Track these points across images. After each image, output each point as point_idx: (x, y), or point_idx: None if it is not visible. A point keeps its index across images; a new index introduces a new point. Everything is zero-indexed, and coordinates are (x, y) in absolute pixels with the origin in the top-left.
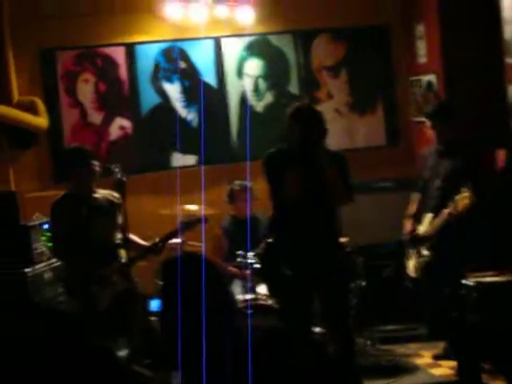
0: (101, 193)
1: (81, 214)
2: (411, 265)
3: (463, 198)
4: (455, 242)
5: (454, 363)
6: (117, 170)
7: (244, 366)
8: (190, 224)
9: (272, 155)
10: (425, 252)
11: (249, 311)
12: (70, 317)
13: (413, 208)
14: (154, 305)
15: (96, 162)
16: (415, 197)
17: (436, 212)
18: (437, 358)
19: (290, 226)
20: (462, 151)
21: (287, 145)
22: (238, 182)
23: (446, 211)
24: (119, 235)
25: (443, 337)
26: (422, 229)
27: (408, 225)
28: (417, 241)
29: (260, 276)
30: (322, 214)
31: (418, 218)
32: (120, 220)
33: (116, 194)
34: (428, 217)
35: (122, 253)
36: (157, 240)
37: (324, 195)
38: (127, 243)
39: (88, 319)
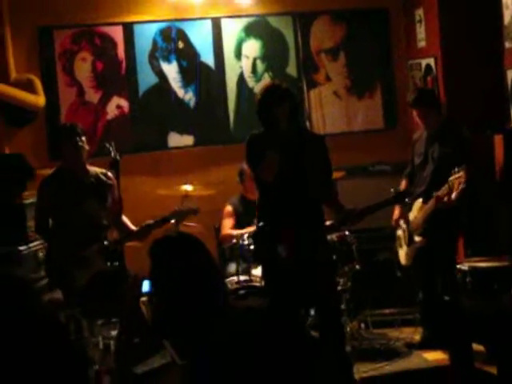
0: (93, 171)
1: (67, 191)
2: (402, 253)
3: (458, 178)
4: (446, 226)
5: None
6: (111, 148)
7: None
8: (182, 214)
9: (254, 137)
10: (416, 238)
11: (242, 292)
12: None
13: None
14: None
15: (83, 138)
16: (403, 183)
17: (427, 198)
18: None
19: (272, 209)
20: (454, 135)
21: (264, 128)
22: None
23: (435, 195)
24: (107, 216)
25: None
26: (412, 215)
27: (396, 211)
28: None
29: (254, 257)
30: (302, 196)
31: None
32: (109, 201)
33: (109, 174)
34: (418, 202)
35: (109, 234)
36: (143, 225)
37: (302, 179)
38: (118, 225)
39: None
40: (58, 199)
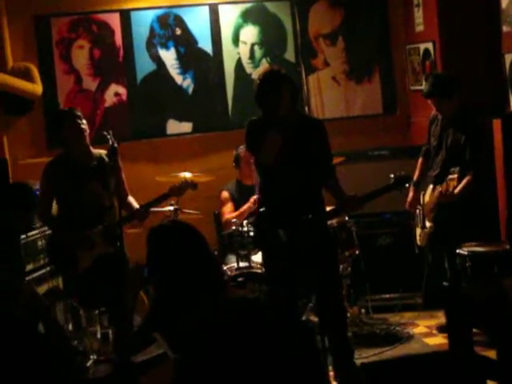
0: (97, 153)
1: (70, 176)
2: (417, 233)
3: (452, 180)
4: (453, 216)
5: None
6: (109, 136)
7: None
8: (179, 189)
9: (253, 122)
10: (427, 223)
11: (241, 279)
12: None
13: (416, 174)
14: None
15: (83, 121)
16: (419, 162)
17: (439, 183)
18: (439, 329)
19: (273, 194)
20: (467, 123)
21: (263, 114)
22: (243, 147)
23: (438, 189)
24: (110, 197)
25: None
26: (426, 199)
27: (410, 192)
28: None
29: (254, 243)
30: (301, 181)
31: (420, 184)
32: (113, 183)
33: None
34: (430, 188)
35: (112, 216)
36: (142, 204)
37: (303, 163)
38: (124, 206)
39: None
40: (62, 184)
